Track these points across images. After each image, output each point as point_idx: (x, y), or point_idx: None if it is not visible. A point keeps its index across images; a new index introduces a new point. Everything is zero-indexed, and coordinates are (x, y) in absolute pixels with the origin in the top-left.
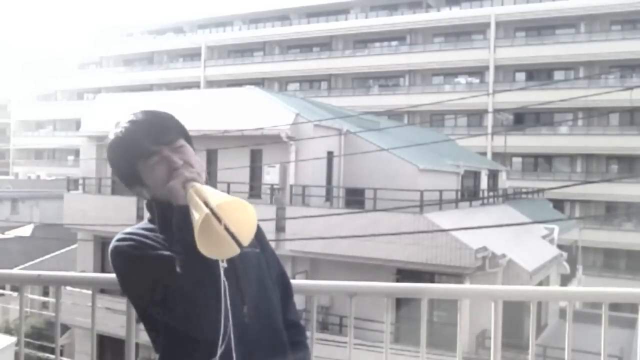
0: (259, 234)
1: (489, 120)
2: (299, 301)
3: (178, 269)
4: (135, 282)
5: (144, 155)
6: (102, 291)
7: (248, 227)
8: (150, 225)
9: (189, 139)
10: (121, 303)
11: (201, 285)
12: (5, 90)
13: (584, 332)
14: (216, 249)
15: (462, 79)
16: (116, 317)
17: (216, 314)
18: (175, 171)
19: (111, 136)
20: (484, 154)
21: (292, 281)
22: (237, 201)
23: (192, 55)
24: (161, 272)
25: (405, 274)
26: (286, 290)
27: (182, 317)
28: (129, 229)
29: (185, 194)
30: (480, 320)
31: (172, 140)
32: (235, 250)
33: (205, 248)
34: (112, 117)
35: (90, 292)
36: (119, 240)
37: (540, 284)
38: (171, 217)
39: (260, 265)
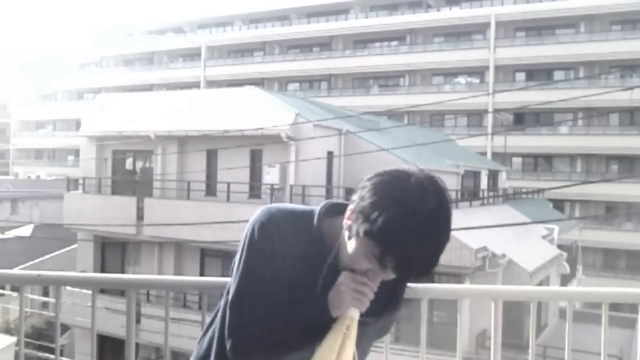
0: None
1: (489, 120)
2: None
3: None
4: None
5: (369, 248)
6: (102, 291)
7: None
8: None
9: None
10: (121, 303)
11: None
12: (5, 90)
13: (584, 332)
14: None
15: (462, 79)
16: (116, 317)
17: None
18: (362, 279)
19: (404, 196)
20: (484, 154)
21: None
22: None
23: (192, 55)
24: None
25: None
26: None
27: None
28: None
29: (342, 309)
30: (480, 320)
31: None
32: None
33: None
34: (112, 117)
35: (90, 292)
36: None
37: (540, 284)
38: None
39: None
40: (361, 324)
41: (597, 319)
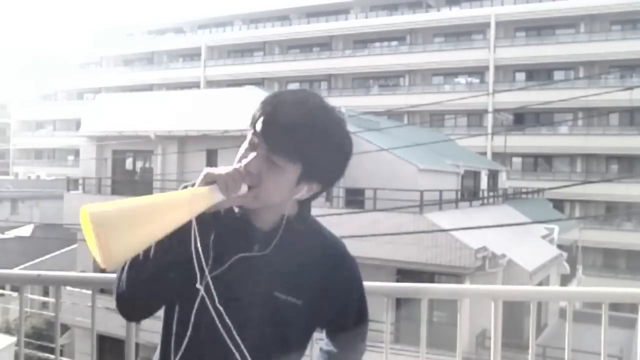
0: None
1: (489, 120)
2: None
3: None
4: None
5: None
6: (102, 291)
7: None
8: None
9: (312, 174)
10: None
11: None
12: (5, 90)
13: (584, 332)
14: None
15: (462, 79)
16: (116, 317)
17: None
18: (238, 165)
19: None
20: (484, 154)
21: None
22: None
23: (192, 55)
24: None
25: (405, 274)
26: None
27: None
28: None
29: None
30: (480, 320)
31: (279, 148)
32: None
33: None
34: (112, 117)
35: (90, 292)
36: None
37: (540, 284)
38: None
39: (284, 315)
40: (279, 301)
41: (597, 319)
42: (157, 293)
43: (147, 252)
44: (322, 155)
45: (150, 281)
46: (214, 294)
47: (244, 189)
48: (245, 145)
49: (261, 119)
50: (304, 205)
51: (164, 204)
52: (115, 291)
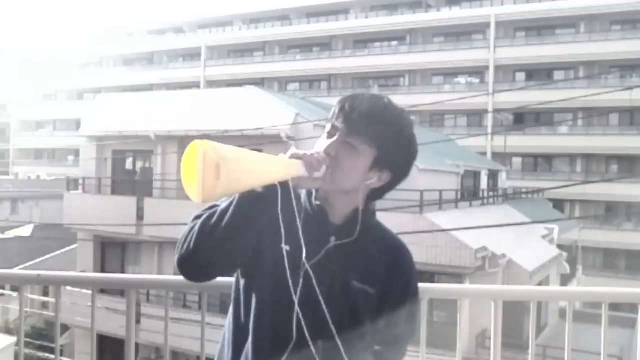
0: (393, 280)
1: (489, 120)
2: None
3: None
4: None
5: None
6: (102, 291)
7: (212, 188)
8: None
9: (384, 161)
10: (121, 303)
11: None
12: (5, 90)
13: (584, 332)
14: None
15: (462, 79)
16: (116, 317)
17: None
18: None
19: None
20: (484, 154)
21: None
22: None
23: (192, 55)
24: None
25: None
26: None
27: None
28: None
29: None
30: (480, 320)
31: (357, 132)
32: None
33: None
34: (112, 117)
35: (90, 292)
36: None
37: (540, 284)
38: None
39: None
40: (356, 289)
41: (597, 319)
42: (224, 253)
43: (225, 210)
44: (394, 145)
45: (222, 239)
46: (300, 281)
47: (323, 170)
48: (323, 137)
49: (341, 106)
50: (372, 202)
51: (266, 158)
52: (180, 248)
